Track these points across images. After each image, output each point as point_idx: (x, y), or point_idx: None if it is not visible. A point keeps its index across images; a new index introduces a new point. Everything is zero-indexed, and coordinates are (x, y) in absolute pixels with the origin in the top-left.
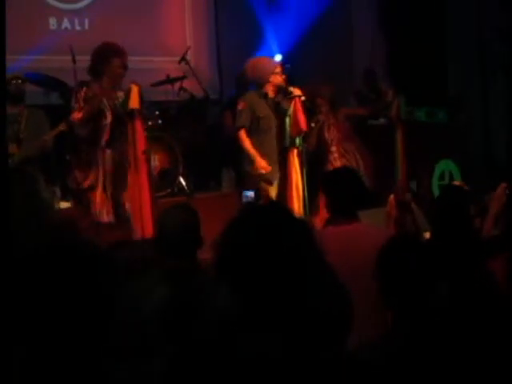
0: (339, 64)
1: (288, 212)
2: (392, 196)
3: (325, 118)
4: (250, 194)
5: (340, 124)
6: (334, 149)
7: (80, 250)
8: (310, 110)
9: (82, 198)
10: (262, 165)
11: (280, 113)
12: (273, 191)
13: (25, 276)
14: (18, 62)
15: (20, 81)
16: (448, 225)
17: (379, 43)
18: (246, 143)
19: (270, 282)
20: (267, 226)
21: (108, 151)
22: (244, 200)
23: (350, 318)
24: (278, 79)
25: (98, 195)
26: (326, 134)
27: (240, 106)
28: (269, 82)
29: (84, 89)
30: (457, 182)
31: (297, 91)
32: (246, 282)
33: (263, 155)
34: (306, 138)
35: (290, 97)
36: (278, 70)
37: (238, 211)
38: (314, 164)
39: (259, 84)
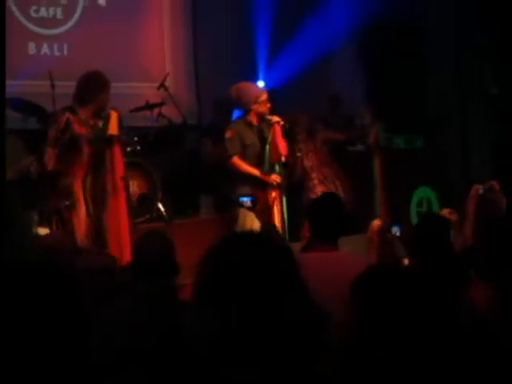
0: (317, 90)
1: (269, 240)
2: (375, 222)
3: (303, 146)
4: (247, 200)
5: (318, 150)
6: (313, 175)
7: (56, 273)
8: (289, 136)
9: (62, 222)
10: (271, 177)
11: (264, 140)
12: (254, 217)
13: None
14: None
15: None
16: (427, 252)
17: (356, 69)
18: (244, 167)
19: (249, 309)
20: (248, 254)
21: (88, 178)
22: (241, 205)
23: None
24: (262, 108)
25: (82, 217)
26: (305, 162)
27: (228, 135)
28: (252, 109)
29: (66, 114)
30: (446, 211)
31: (275, 118)
32: (225, 308)
33: (251, 181)
34: (287, 165)
35: (269, 123)
36: (264, 98)
37: (217, 239)
38: (294, 191)
39: (244, 110)
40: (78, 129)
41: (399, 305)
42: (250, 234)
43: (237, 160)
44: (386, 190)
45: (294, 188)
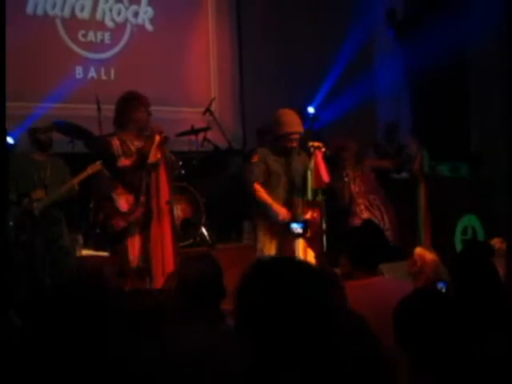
0: (363, 118)
1: (306, 265)
2: (419, 249)
3: (350, 171)
4: (297, 227)
5: (365, 176)
6: (360, 201)
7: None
8: (335, 162)
9: (113, 245)
10: (283, 211)
11: (290, 171)
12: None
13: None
14: (44, 108)
15: (52, 132)
16: (470, 280)
17: (404, 98)
18: (262, 194)
19: (290, 337)
20: (283, 282)
21: (143, 198)
22: (292, 232)
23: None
24: (286, 143)
25: (136, 241)
26: (352, 187)
27: (253, 160)
28: (279, 139)
29: (115, 140)
30: (497, 240)
31: (317, 143)
32: (265, 336)
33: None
34: (328, 192)
35: (311, 150)
36: (293, 136)
37: (250, 266)
38: (338, 217)
39: (275, 138)
40: (123, 160)
41: (439, 330)
42: (285, 259)
43: (256, 186)
44: (430, 217)
45: (340, 213)
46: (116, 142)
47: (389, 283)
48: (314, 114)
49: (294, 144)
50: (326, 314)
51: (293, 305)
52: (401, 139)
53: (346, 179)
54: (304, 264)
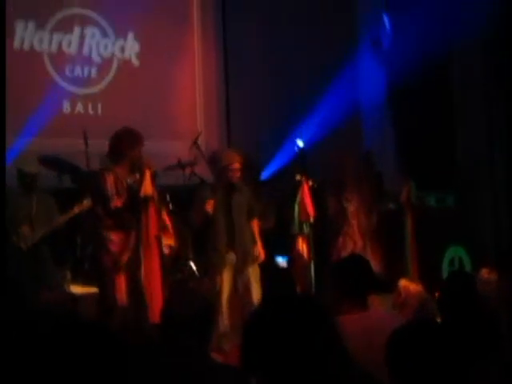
0: (349, 147)
1: (311, 304)
2: (403, 282)
3: (350, 192)
4: (282, 261)
5: (364, 195)
6: (353, 222)
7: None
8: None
9: (100, 282)
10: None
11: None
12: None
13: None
14: (30, 144)
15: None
16: (457, 310)
17: (388, 127)
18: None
19: (293, 373)
20: (290, 321)
21: (133, 234)
22: (275, 265)
23: None
24: (229, 177)
25: (123, 279)
26: (350, 207)
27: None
28: (220, 177)
29: (110, 176)
30: (485, 271)
31: (303, 176)
32: (270, 373)
33: (212, 245)
34: (315, 225)
35: (297, 183)
36: (234, 167)
37: (260, 304)
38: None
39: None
40: (116, 201)
41: (431, 362)
42: (292, 297)
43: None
44: (417, 248)
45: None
46: (110, 179)
47: (381, 316)
48: (301, 148)
49: (237, 175)
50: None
51: (302, 344)
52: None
53: (345, 205)
54: (311, 302)
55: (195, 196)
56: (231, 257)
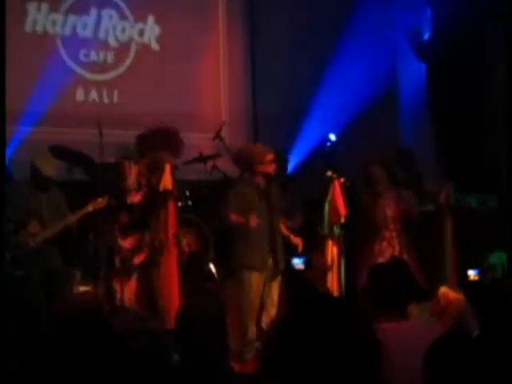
0: (386, 147)
1: (347, 308)
2: (443, 289)
3: (383, 190)
4: (298, 262)
5: (402, 199)
6: (392, 226)
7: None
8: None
9: (109, 282)
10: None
11: (269, 201)
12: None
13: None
14: (41, 132)
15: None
16: (496, 322)
17: (427, 126)
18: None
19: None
20: (323, 327)
21: (147, 235)
22: (291, 268)
23: None
24: (267, 168)
25: (134, 278)
26: (387, 210)
27: (229, 194)
28: (257, 170)
29: (135, 167)
30: None
31: (335, 173)
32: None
33: (247, 245)
34: (346, 226)
35: (328, 180)
36: (270, 158)
37: (288, 308)
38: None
39: (248, 172)
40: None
41: (468, 378)
42: (322, 300)
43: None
44: (457, 253)
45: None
46: (135, 170)
47: (418, 329)
48: (334, 142)
49: (274, 166)
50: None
51: (328, 347)
52: (419, 167)
53: (383, 207)
54: (347, 307)
55: (231, 191)
56: (269, 261)
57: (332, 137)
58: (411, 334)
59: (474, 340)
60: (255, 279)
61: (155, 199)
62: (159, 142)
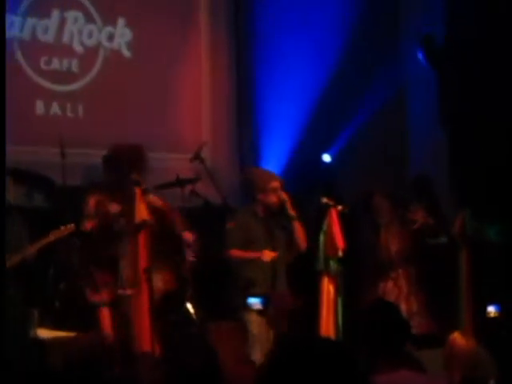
0: (392, 170)
1: (338, 348)
2: (456, 335)
3: (386, 223)
4: (255, 301)
5: (406, 233)
6: (398, 265)
7: None
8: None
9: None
10: (265, 251)
11: (273, 235)
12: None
13: None
14: None
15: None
16: None
17: (440, 146)
18: (242, 253)
19: None
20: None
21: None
22: (249, 308)
23: None
24: (269, 198)
25: (107, 317)
26: (392, 246)
27: (228, 226)
28: (258, 199)
29: (92, 198)
30: None
31: (331, 200)
32: None
33: (254, 281)
34: (344, 260)
35: (324, 208)
36: (273, 186)
37: (272, 351)
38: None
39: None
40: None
41: None
42: (315, 342)
43: (234, 252)
44: (473, 293)
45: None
46: (93, 200)
47: (413, 379)
48: (329, 164)
49: (279, 196)
50: None
51: None
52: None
53: (383, 233)
54: (335, 348)
55: (233, 222)
56: None
57: (326, 158)
58: None
59: None
60: (257, 318)
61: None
62: (122, 161)
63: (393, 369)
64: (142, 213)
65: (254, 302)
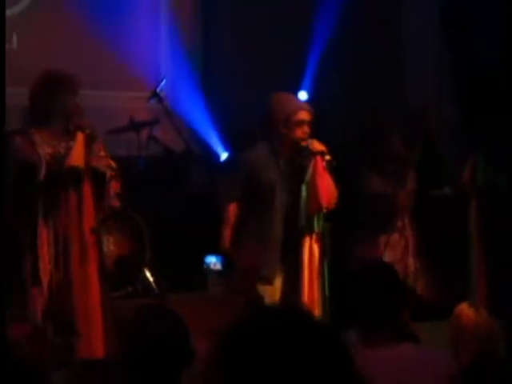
0: (385, 101)
1: (314, 323)
2: (464, 306)
3: (401, 168)
4: (213, 260)
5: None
6: (405, 213)
7: None
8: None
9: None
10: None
11: (296, 181)
12: (275, 293)
13: None
14: None
15: None
16: None
17: (444, 72)
18: (226, 218)
19: None
20: (285, 346)
21: (44, 230)
22: (205, 268)
23: None
24: (294, 133)
25: (42, 293)
26: (402, 194)
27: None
28: (280, 133)
29: (16, 138)
30: None
31: (317, 145)
32: None
33: (257, 241)
34: (330, 217)
35: (307, 154)
36: (299, 117)
37: (235, 319)
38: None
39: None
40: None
41: None
42: (280, 311)
43: (231, 207)
44: (486, 253)
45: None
46: (23, 144)
47: (417, 353)
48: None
49: (306, 130)
50: None
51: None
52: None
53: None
54: (311, 321)
55: (242, 165)
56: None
57: (303, 95)
58: (402, 367)
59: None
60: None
61: (61, 175)
62: (51, 87)
63: (389, 343)
64: (74, 158)
65: (212, 261)
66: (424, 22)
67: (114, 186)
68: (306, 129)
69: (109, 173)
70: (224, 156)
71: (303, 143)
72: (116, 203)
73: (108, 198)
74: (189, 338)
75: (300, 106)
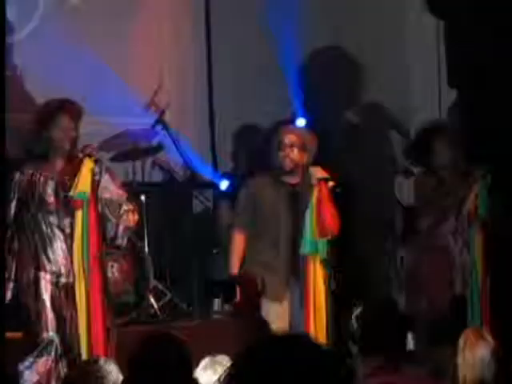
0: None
1: (321, 350)
2: (469, 331)
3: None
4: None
5: None
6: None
7: None
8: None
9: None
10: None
11: (298, 207)
12: (284, 313)
13: None
14: None
15: None
16: None
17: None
18: (233, 246)
19: None
20: (293, 373)
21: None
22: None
23: None
24: (284, 155)
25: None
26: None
27: (240, 194)
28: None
29: (17, 176)
30: None
31: (320, 172)
32: None
33: (261, 264)
34: (334, 243)
35: (313, 182)
36: (287, 140)
37: (244, 347)
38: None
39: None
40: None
41: None
42: (292, 339)
43: (237, 235)
44: (491, 283)
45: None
46: (24, 180)
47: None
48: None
49: (296, 154)
50: None
51: None
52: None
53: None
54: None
55: (245, 192)
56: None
57: (301, 122)
58: None
59: None
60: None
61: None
62: (50, 115)
63: (392, 371)
64: (84, 183)
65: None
66: None
67: (129, 220)
68: (296, 151)
69: (126, 206)
70: (225, 184)
71: (310, 169)
72: (123, 243)
73: (117, 232)
74: (192, 365)
75: (290, 129)
